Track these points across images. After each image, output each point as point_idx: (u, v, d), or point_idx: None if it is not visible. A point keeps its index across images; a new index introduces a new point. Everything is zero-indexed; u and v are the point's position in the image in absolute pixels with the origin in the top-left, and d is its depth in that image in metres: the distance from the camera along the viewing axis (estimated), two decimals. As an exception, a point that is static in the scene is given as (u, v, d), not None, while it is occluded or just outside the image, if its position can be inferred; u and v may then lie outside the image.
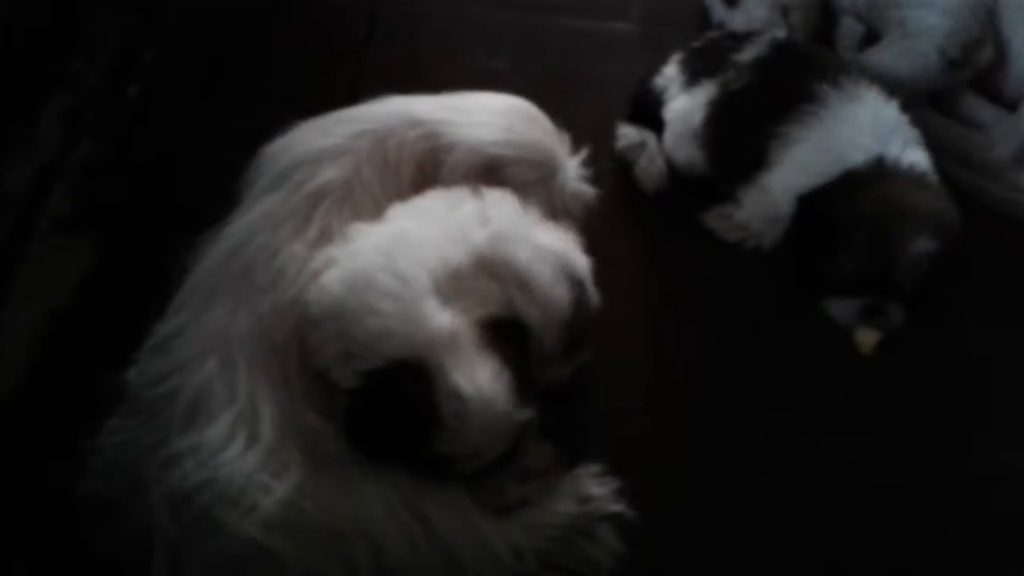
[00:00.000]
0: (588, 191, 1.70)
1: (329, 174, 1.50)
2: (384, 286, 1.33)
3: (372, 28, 2.20)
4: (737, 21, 2.09)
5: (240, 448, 1.26)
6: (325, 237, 1.45)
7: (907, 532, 1.52)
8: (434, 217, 1.45)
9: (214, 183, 1.58)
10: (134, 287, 1.63)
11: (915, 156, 1.64)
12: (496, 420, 1.29)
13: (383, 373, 1.31)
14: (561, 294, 1.46)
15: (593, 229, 1.67)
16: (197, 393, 1.31)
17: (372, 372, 1.31)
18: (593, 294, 1.54)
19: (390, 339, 1.31)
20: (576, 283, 1.49)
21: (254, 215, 1.47)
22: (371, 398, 1.31)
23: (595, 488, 1.47)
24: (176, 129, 2.01)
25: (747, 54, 1.79)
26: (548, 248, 1.47)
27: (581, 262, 1.52)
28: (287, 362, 1.36)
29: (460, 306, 1.34)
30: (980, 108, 2.00)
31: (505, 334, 1.36)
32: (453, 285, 1.36)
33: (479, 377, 1.28)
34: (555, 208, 1.63)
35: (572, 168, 1.68)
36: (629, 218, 1.90)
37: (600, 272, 1.56)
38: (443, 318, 1.31)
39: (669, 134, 1.89)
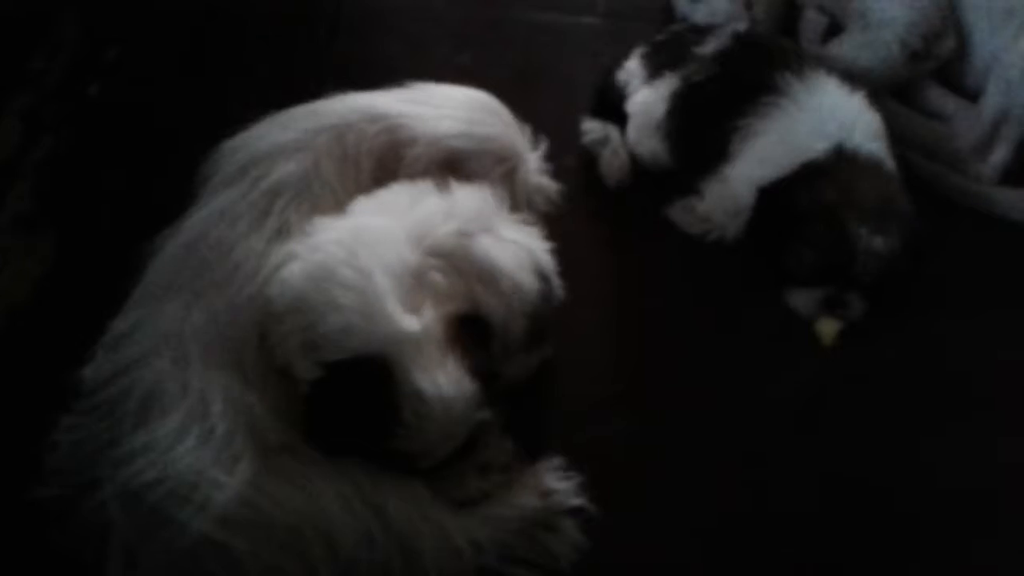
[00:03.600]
0: (551, 185, 1.70)
1: (287, 169, 1.49)
2: (346, 280, 1.32)
3: (336, 23, 2.19)
4: (700, 14, 2.10)
5: (192, 444, 1.25)
6: (283, 232, 1.44)
7: (871, 522, 1.52)
8: (397, 211, 1.44)
9: (175, 180, 1.56)
10: (94, 284, 1.61)
11: (874, 147, 1.65)
12: (455, 421, 1.29)
13: (345, 366, 1.30)
14: (526, 287, 1.45)
15: (557, 223, 1.66)
16: (149, 390, 1.29)
17: (334, 364, 1.31)
18: (558, 286, 1.54)
19: (352, 334, 1.30)
20: (541, 276, 1.49)
21: (210, 210, 1.46)
22: (332, 390, 1.31)
23: (557, 482, 1.47)
24: (137, 127, 1.99)
25: (708, 47, 1.80)
26: (513, 241, 1.47)
27: (545, 254, 1.52)
28: (243, 358, 1.35)
29: (423, 302, 1.33)
30: (942, 99, 2.01)
31: (467, 330, 1.35)
32: (416, 280, 1.35)
33: (441, 378, 1.28)
34: (518, 202, 1.62)
35: (534, 162, 1.68)
36: (593, 211, 1.90)
37: (564, 266, 1.55)
38: (405, 315, 1.30)
39: (632, 127, 1.89)
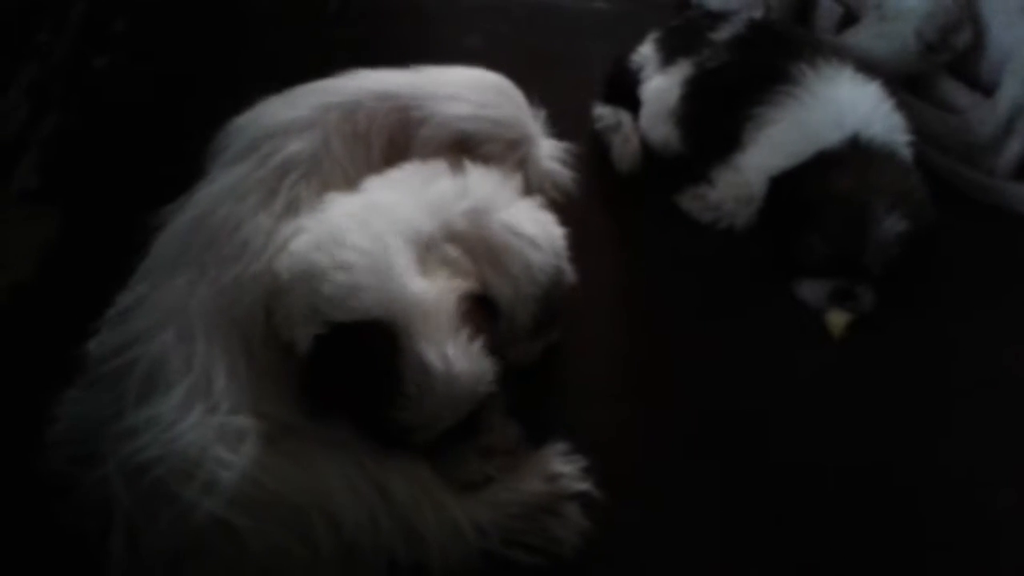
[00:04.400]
0: (563, 171, 1.69)
1: (297, 146, 1.48)
2: (356, 243, 1.31)
3: (346, 2, 2.18)
4: (715, 0, 2.08)
5: (195, 420, 1.24)
6: (292, 209, 1.43)
7: (878, 511, 1.51)
8: (410, 189, 1.43)
9: (182, 155, 1.55)
10: (99, 258, 1.59)
11: (889, 137, 1.64)
12: (459, 396, 1.28)
13: (352, 326, 1.28)
14: (537, 271, 1.44)
15: (567, 208, 1.65)
16: (153, 364, 1.29)
17: (339, 325, 1.29)
18: (569, 271, 1.53)
19: (359, 294, 1.28)
20: (553, 260, 1.48)
21: (219, 186, 1.45)
22: (335, 348, 1.29)
23: (562, 466, 1.46)
24: (144, 100, 1.98)
25: (723, 33, 1.78)
26: (526, 224, 1.46)
27: (558, 238, 1.51)
28: (249, 333, 1.34)
29: (436, 273, 1.32)
30: (957, 92, 2.00)
31: (475, 309, 1.34)
32: (429, 252, 1.35)
33: (449, 351, 1.26)
34: (530, 187, 1.61)
35: (547, 147, 1.67)
36: (604, 198, 1.88)
37: (574, 252, 1.55)
38: (417, 281, 1.29)
39: (645, 113, 1.88)
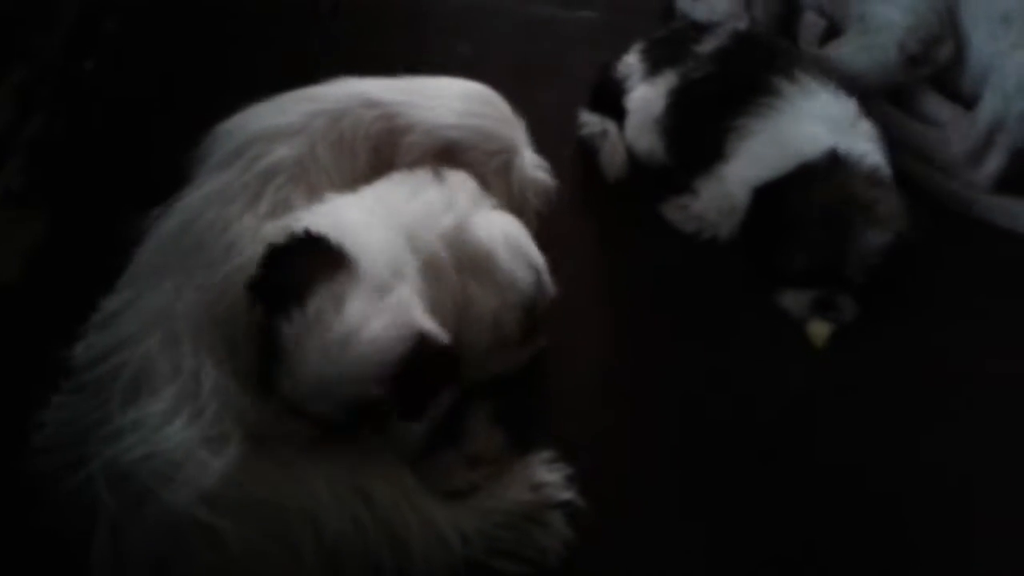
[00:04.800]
0: (546, 180, 1.69)
1: (282, 152, 1.48)
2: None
3: (336, 10, 2.18)
4: (700, 12, 2.10)
5: (181, 424, 1.25)
6: (277, 212, 1.44)
7: (863, 516, 1.52)
8: (396, 203, 1.43)
9: (168, 159, 1.55)
10: (85, 262, 1.59)
11: (869, 150, 1.65)
12: (327, 374, 1.21)
13: (300, 238, 1.28)
14: (521, 279, 1.46)
15: (552, 216, 1.67)
16: (140, 368, 1.29)
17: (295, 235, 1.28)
18: (549, 280, 1.54)
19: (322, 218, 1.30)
20: (533, 268, 1.49)
21: (205, 191, 1.45)
22: (280, 253, 1.28)
23: (546, 475, 1.47)
24: (132, 104, 1.98)
25: (708, 45, 1.80)
26: (506, 233, 1.47)
27: (532, 245, 1.52)
28: (233, 330, 1.34)
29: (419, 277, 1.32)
30: (938, 105, 2.02)
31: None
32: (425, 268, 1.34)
33: (375, 319, 1.21)
34: (513, 195, 1.62)
35: (530, 156, 1.68)
36: (589, 206, 1.90)
37: (558, 260, 1.57)
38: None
39: (630, 123, 1.89)
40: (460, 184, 1.49)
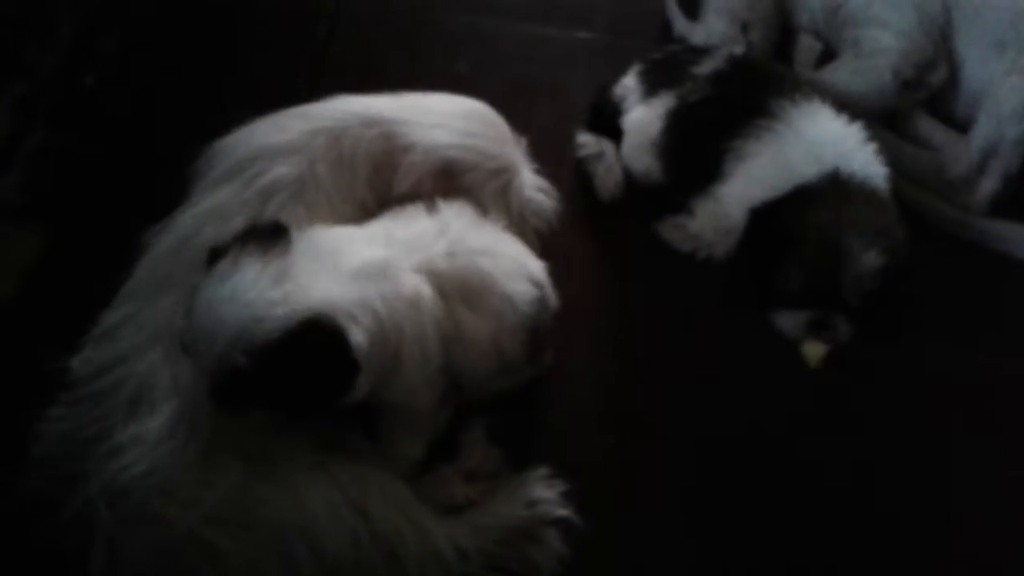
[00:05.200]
0: (545, 201, 1.70)
1: (282, 170, 1.49)
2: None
3: (333, 28, 2.19)
4: (697, 35, 2.11)
5: (181, 441, 1.25)
6: None
7: (856, 538, 1.53)
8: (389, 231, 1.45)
9: (166, 176, 1.56)
10: (82, 276, 1.61)
11: (868, 172, 1.66)
12: (218, 320, 1.20)
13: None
14: (519, 302, 1.46)
15: (550, 236, 1.68)
16: (140, 384, 1.30)
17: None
18: (552, 297, 1.55)
19: None
20: (536, 288, 1.49)
21: (204, 207, 1.46)
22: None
23: (542, 491, 1.48)
24: (131, 121, 1.98)
25: (705, 67, 1.81)
26: (505, 256, 1.48)
27: (536, 267, 1.53)
28: None
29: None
30: (932, 129, 2.03)
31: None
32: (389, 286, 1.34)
33: (267, 290, 1.21)
34: (511, 216, 1.63)
35: (529, 176, 1.68)
36: (586, 226, 1.90)
37: (555, 279, 1.56)
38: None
39: (627, 144, 1.90)
40: (456, 212, 1.50)
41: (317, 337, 1.23)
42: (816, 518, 1.55)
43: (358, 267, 1.31)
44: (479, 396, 1.51)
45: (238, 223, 1.43)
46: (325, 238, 1.34)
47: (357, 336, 1.25)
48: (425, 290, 1.37)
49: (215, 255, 1.27)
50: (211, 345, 1.21)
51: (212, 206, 1.47)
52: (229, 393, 1.23)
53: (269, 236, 1.27)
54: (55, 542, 1.26)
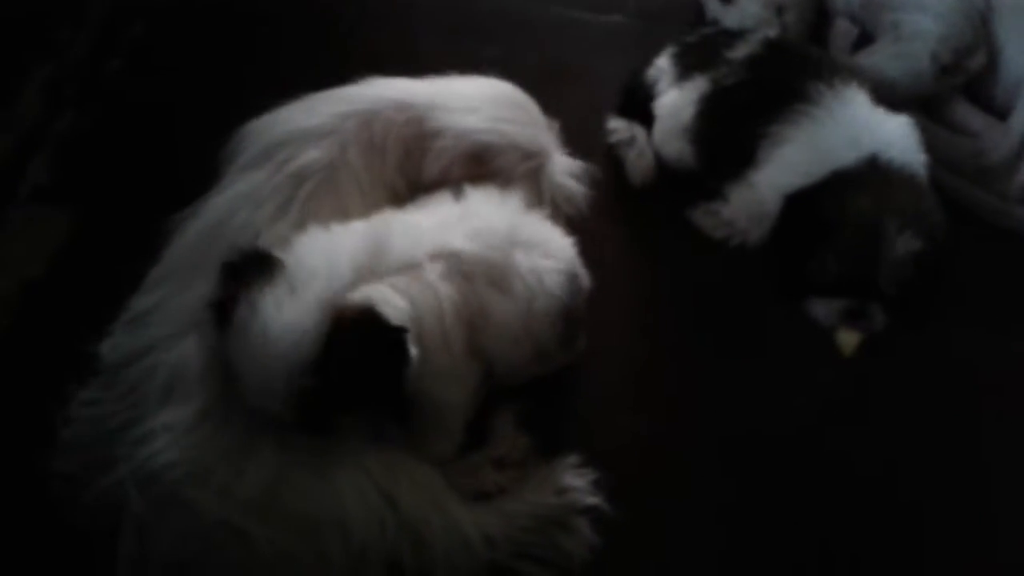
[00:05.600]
0: (576, 185, 1.68)
1: (313, 154, 1.48)
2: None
3: (362, 11, 2.18)
4: (731, 18, 2.09)
5: (213, 427, 1.25)
6: (308, 220, 1.42)
7: (888, 527, 1.52)
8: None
9: (196, 159, 1.56)
10: (111, 260, 1.60)
11: (907, 157, 1.63)
12: (266, 357, 1.21)
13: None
14: (551, 284, 1.44)
15: (579, 222, 1.65)
16: (173, 371, 1.29)
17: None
18: (584, 277, 1.53)
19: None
20: (565, 269, 1.47)
21: (236, 192, 1.45)
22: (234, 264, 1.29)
23: (572, 479, 1.47)
24: (159, 104, 1.98)
25: (740, 51, 1.78)
26: (533, 239, 1.46)
27: (568, 247, 1.51)
28: None
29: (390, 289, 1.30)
30: (970, 115, 2.00)
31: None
32: (409, 273, 1.34)
33: (288, 310, 1.21)
34: (542, 201, 1.62)
35: (560, 160, 1.67)
36: (617, 211, 1.88)
37: (586, 265, 1.55)
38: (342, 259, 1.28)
39: (659, 128, 1.88)
40: (483, 196, 1.49)
41: (356, 325, 1.23)
42: (844, 507, 1.53)
43: (364, 259, 1.31)
44: (512, 383, 1.50)
45: (270, 208, 1.43)
46: (325, 238, 1.34)
47: (392, 312, 1.25)
48: (440, 272, 1.35)
49: (217, 308, 1.27)
50: (272, 387, 1.21)
51: (244, 191, 1.46)
52: (312, 416, 1.24)
53: (260, 267, 1.26)
54: (84, 525, 1.26)
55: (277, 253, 1.28)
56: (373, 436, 1.33)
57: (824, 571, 1.47)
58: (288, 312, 1.20)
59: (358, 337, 1.23)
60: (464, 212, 1.44)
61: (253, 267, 1.26)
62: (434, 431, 1.41)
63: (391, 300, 1.27)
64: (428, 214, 1.44)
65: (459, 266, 1.37)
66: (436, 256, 1.35)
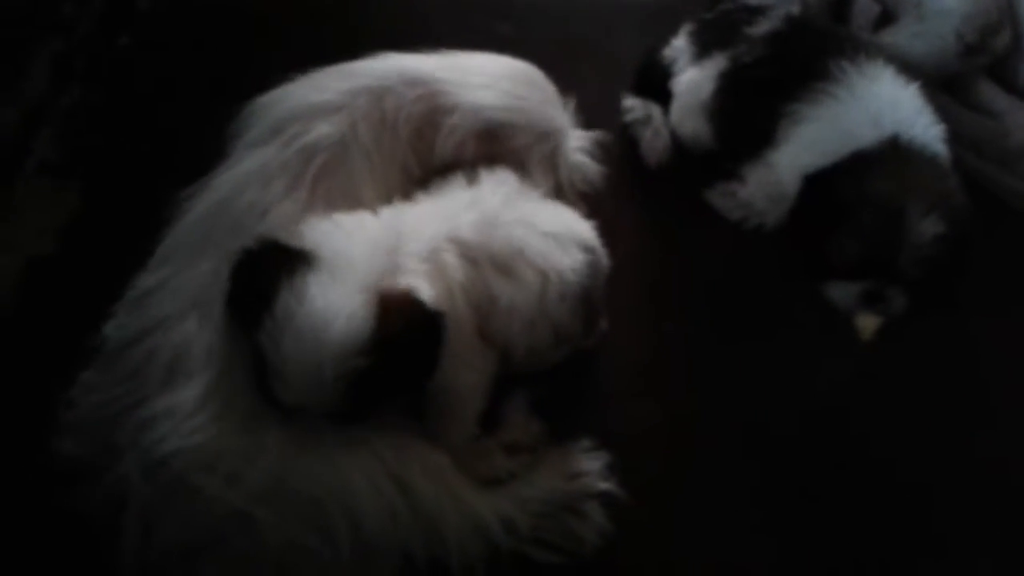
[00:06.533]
0: (591, 165, 1.66)
1: (323, 130, 1.45)
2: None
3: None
4: (751, -7, 2.05)
5: (217, 412, 1.23)
6: (317, 200, 1.40)
7: (900, 510, 1.50)
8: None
9: (203, 135, 1.53)
10: (119, 236, 1.59)
11: (928, 138, 1.59)
12: (320, 349, 1.19)
13: (276, 245, 1.27)
14: (566, 269, 1.42)
15: (594, 202, 1.63)
16: (176, 353, 1.27)
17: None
18: (604, 261, 1.51)
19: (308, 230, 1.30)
20: (582, 254, 1.45)
21: (244, 168, 1.42)
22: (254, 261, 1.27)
23: (585, 464, 1.45)
24: (167, 79, 1.96)
25: (760, 28, 1.75)
26: (547, 224, 1.43)
27: (586, 231, 1.49)
28: None
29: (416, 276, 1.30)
30: (995, 95, 1.96)
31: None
32: (425, 261, 1.32)
33: (331, 295, 1.20)
34: (558, 180, 1.59)
35: (576, 139, 1.64)
36: (632, 192, 1.85)
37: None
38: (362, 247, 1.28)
39: (676, 107, 1.84)
40: (497, 181, 1.46)
41: (401, 308, 1.24)
42: (861, 491, 1.52)
43: (388, 247, 1.31)
44: (538, 368, 1.48)
45: (278, 186, 1.40)
46: (347, 228, 1.32)
47: (428, 294, 1.27)
48: (450, 259, 1.34)
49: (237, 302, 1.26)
50: (326, 373, 1.20)
51: (252, 167, 1.43)
52: (358, 402, 1.24)
53: (288, 258, 1.24)
54: (87, 512, 1.24)
55: (296, 243, 1.26)
56: (384, 422, 1.31)
57: (842, 557, 1.45)
58: (335, 298, 1.20)
59: (404, 320, 1.23)
60: (473, 198, 1.42)
61: (280, 259, 1.24)
62: (447, 416, 1.39)
63: (421, 286, 1.28)
64: (439, 201, 1.43)
65: (466, 252, 1.35)
66: (446, 243, 1.34)
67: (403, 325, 1.23)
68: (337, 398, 1.22)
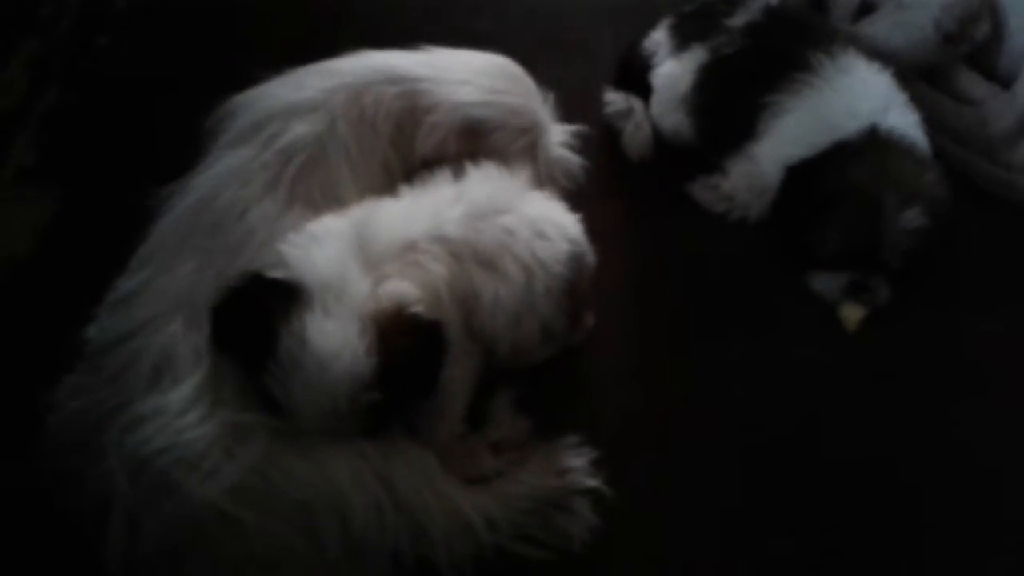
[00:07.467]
0: (573, 159, 1.66)
1: (302, 129, 1.44)
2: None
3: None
4: (730, -15, 2.04)
5: (203, 413, 1.22)
6: (297, 199, 1.40)
7: (890, 505, 1.49)
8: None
9: (183, 135, 1.52)
10: (98, 238, 1.57)
11: (908, 128, 1.60)
12: (329, 387, 1.21)
13: (262, 279, 1.26)
14: (551, 262, 1.41)
15: (576, 197, 1.62)
16: (161, 354, 1.26)
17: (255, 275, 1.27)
18: (590, 255, 1.50)
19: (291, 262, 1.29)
20: (567, 247, 1.44)
21: (222, 168, 1.42)
22: (240, 298, 1.26)
23: (572, 461, 1.44)
24: (146, 79, 1.95)
25: (739, 19, 1.75)
26: (532, 218, 1.43)
27: (572, 224, 1.48)
28: None
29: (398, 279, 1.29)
30: (974, 84, 1.96)
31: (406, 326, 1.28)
32: (403, 258, 1.32)
33: (333, 332, 1.21)
34: (539, 175, 1.59)
35: (557, 134, 1.64)
36: (614, 186, 1.86)
37: (584, 241, 1.52)
38: (352, 269, 1.27)
39: (656, 100, 1.84)
40: (482, 176, 1.45)
41: (398, 330, 1.25)
42: (850, 485, 1.50)
43: (357, 253, 1.30)
44: (524, 365, 1.48)
45: (257, 185, 1.39)
46: (318, 246, 1.31)
47: (415, 297, 1.28)
48: (434, 254, 1.34)
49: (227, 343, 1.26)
50: (340, 409, 1.22)
51: (231, 168, 1.43)
52: (374, 424, 1.26)
53: (282, 295, 1.24)
54: (72, 514, 1.23)
55: (281, 274, 1.26)
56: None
57: (826, 546, 1.44)
58: (334, 335, 1.21)
59: (405, 341, 1.24)
60: (457, 194, 1.41)
61: (269, 298, 1.24)
62: (434, 413, 1.38)
63: (405, 292, 1.28)
64: (421, 196, 1.42)
65: (451, 249, 1.35)
66: (429, 239, 1.34)
67: (405, 347, 1.24)
68: (354, 426, 1.24)
